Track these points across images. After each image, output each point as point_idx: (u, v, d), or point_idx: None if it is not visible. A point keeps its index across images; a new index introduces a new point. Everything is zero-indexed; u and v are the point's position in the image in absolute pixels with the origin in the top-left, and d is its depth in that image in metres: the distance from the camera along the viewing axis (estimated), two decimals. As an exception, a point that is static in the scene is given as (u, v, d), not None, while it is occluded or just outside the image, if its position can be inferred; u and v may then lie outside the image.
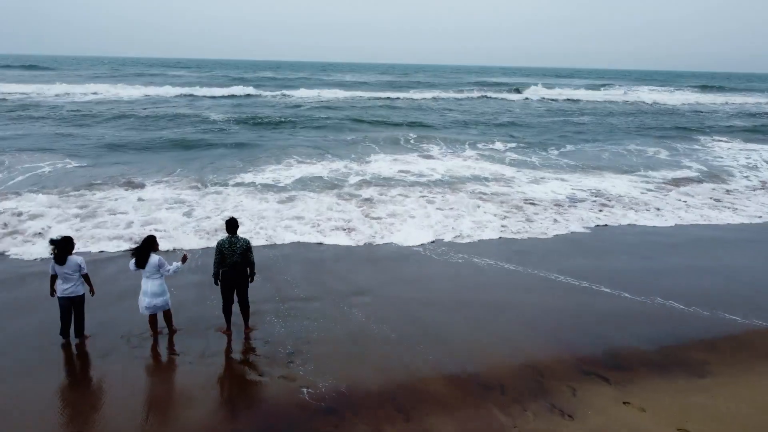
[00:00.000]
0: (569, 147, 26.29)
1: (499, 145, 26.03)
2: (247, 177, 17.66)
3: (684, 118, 42.28)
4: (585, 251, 11.91)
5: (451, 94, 57.76)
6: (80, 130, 26.52)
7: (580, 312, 8.69)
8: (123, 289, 8.89)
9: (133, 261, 7.32)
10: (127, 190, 15.47)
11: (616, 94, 66.54)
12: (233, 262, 7.40)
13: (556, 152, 24.87)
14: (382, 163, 20.77)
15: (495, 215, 14.19)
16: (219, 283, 7.56)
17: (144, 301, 7.32)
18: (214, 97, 45.72)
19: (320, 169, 19.35)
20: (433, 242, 12.06)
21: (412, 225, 13.06)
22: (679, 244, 12.53)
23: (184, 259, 7.64)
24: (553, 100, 55.43)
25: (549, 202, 15.82)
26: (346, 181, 17.66)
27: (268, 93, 50.82)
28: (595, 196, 16.61)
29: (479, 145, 25.74)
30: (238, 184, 16.56)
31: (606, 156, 24.28)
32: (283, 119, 32.44)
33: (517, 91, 64.66)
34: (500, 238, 12.61)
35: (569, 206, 15.40)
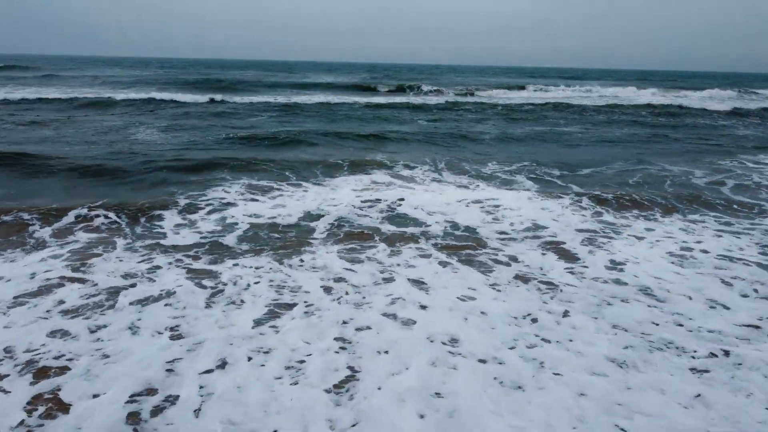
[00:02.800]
0: (586, 171, 20.94)
1: (497, 167, 20.31)
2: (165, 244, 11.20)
3: (703, 127, 37.32)
4: None
5: (443, 97, 52.43)
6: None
7: None
8: None
9: None
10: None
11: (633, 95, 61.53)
12: None
13: (582, 175, 19.25)
14: (353, 202, 14.43)
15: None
16: None
17: None
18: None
19: (269, 212, 13.43)
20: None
21: None
22: None
23: None
24: (552, 103, 50.14)
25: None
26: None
27: (237, 99, 44.95)
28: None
29: (479, 165, 20.13)
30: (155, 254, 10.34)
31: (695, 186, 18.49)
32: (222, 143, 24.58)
33: (478, 97, 58.07)
34: None
35: None
